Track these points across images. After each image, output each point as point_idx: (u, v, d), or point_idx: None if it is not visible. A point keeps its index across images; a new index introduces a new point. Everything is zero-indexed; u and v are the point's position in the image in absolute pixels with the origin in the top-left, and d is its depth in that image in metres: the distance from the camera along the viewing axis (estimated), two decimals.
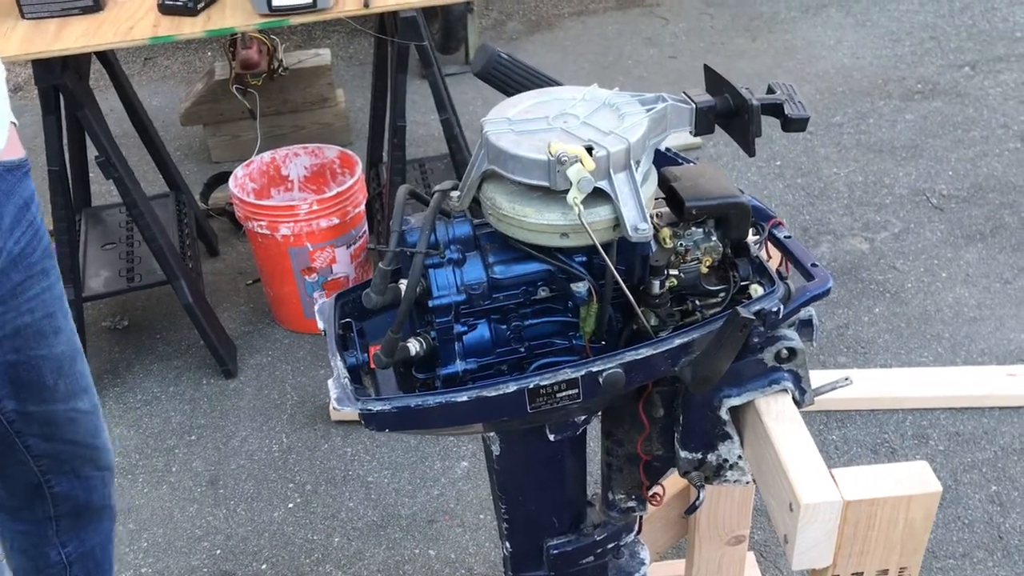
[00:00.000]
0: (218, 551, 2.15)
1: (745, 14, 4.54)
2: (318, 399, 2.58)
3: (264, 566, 2.11)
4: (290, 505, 2.26)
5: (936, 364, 2.55)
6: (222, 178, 3.26)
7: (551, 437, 1.14)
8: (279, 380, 2.67)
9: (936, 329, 2.67)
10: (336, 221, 2.65)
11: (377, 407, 0.99)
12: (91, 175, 3.01)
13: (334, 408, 0.95)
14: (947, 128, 3.57)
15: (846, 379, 1.15)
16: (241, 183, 2.77)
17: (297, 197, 2.91)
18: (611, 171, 0.96)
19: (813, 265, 1.12)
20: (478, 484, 2.28)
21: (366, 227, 2.84)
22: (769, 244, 1.17)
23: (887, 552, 1.03)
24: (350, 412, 0.98)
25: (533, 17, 4.70)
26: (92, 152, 2.46)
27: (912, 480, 1.00)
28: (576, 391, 1.01)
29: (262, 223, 2.63)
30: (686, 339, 1.01)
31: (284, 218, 2.60)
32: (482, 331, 1.08)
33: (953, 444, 2.30)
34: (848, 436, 2.34)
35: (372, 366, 1.08)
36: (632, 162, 0.98)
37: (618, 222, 0.97)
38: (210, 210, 3.33)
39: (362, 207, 2.76)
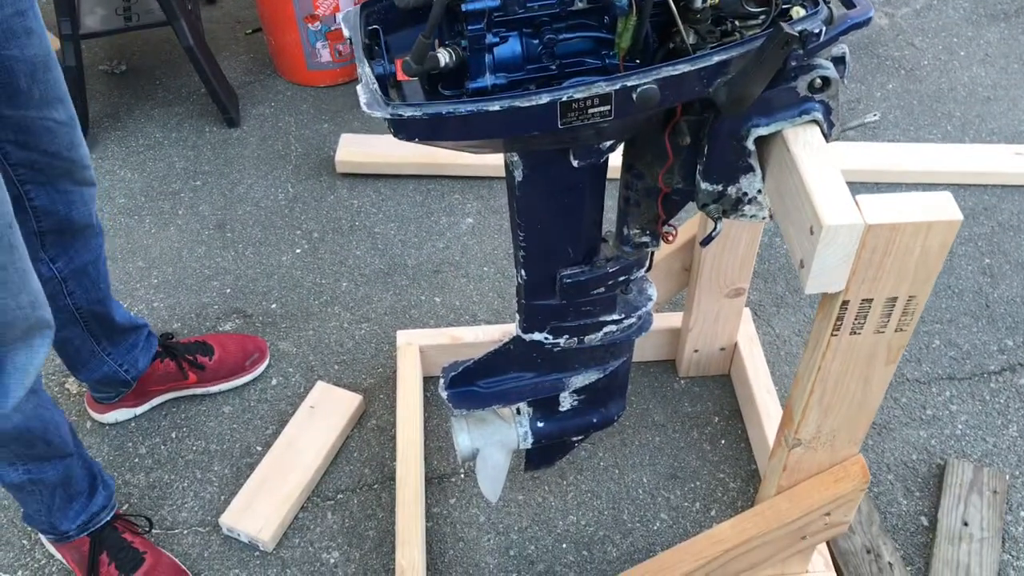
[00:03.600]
0: (228, 290, 2.21)
1: None
2: (323, 151, 2.56)
3: (274, 305, 2.17)
4: (298, 251, 2.30)
5: (945, 142, 2.54)
6: None
7: (574, 163, 1.14)
8: (283, 131, 2.64)
9: (948, 108, 2.64)
10: None
11: (408, 113, 0.98)
12: None
13: (364, 109, 0.94)
14: None
15: (874, 115, 1.14)
16: None
17: None
18: None
19: None
20: (483, 239, 2.31)
21: None
22: None
23: (899, 279, 1.06)
24: (379, 115, 0.97)
25: None
26: None
27: (935, 208, 1.01)
28: (608, 107, 1.00)
29: None
30: (724, 56, 0.99)
31: None
32: (513, 44, 1.05)
33: None
34: None
35: (400, 77, 1.06)
36: None
37: None
38: None
39: None
